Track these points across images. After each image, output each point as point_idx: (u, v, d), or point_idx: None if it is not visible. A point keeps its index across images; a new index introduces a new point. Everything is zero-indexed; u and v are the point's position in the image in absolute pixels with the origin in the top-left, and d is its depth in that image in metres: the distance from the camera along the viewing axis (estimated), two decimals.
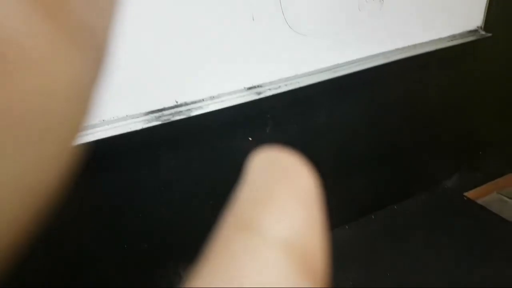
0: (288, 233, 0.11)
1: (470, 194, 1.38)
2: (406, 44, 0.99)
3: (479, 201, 1.34)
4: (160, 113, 0.78)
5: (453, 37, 1.05)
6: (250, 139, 0.90)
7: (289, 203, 0.11)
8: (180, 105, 0.79)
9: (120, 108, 0.77)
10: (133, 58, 0.73)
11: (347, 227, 1.20)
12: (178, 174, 0.88)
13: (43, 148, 0.09)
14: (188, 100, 0.79)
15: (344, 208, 1.20)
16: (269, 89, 0.83)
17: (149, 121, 0.78)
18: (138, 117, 0.78)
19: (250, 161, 0.13)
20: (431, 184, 1.35)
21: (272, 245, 0.11)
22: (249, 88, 0.82)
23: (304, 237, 0.11)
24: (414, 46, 1.01)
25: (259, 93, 0.82)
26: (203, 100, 0.81)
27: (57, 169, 0.10)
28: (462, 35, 1.06)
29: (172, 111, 0.79)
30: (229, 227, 0.11)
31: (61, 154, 0.10)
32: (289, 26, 0.83)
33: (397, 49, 0.98)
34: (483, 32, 1.07)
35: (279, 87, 0.83)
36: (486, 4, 1.06)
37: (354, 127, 1.07)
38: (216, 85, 0.79)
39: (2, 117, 0.08)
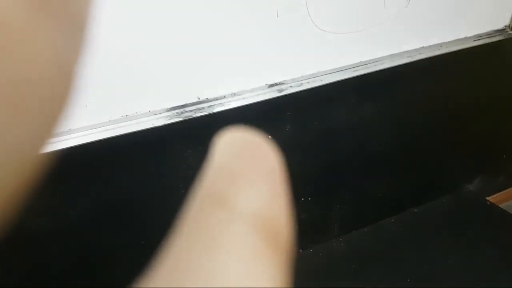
0: (255, 207, 0.11)
1: (492, 198, 1.35)
2: (431, 43, 0.97)
3: (502, 206, 1.31)
4: (182, 109, 0.78)
5: (479, 36, 1.03)
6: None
7: (256, 177, 0.12)
8: (202, 102, 0.79)
9: (143, 104, 0.77)
10: (155, 54, 0.73)
11: (365, 229, 1.19)
12: (198, 171, 0.88)
13: (22, 133, 0.09)
14: (210, 96, 0.79)
15: (363, 210, 1.19)
16: (291, 87, 0.82)
17: (171, 117, 0.78)
18: (160, 113, 0.78)
19: (216, 140, 0.13)
20: (452, 187, 1.32)
21: (240, 218, 0.11)
22: (271, 85, 0.81)
23: (271, 210, 0.11)
24: (440, 45, 0.99)
25: (280, 91, 0.81)
26: (224, 97, 0.80)
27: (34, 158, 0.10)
28: (488, 34, 1.04)
29: (194, 107, 0.79)
30: (198, 202, 0.11)
31: (39, 141, 0.09)
32: (313, 23, 0.82)
33: (423, 48, 0.96)
34: (511, 31, 1.04)
35: (301, 84, 0.82)
36: None
37: (375, 127, 1.05)
38: (237, 82, 0.79)
39: None
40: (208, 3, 0.72)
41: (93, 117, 0.75)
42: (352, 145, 1.05)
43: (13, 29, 0.08)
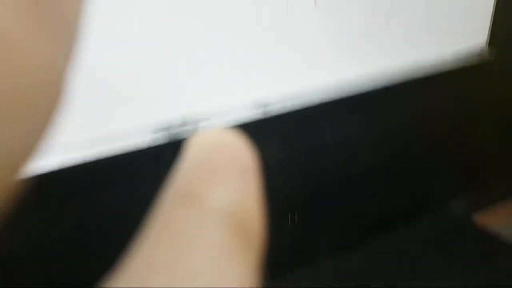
0: (227, 203, 0.11)
1: (477, 216, 1.36)
2: (410, 63, 1.00)
3: (487, 224, 1.32)
4: (167, 130, 0.78)
5: (458, 55, 1.06)
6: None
7: (228, 174, 0.12)
8: (188, 123, 0.79)
9: (127, 125, 0.76)
10: (138, 76, 0.73)
11: (352, 252, 1.17)
12: None
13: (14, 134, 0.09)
14: (195, 117, 0.79)
15: (350, 231, 1.18)
16: (275, 106, 0.83)
17: (156, 138, 0.77)
18: (145, 134, 0.77)
19: (190, 141, 0.13)
20: (436, 205, 1.33)
21: (212, 215, 0.11)
22: (257, 105, 0.82)
23: (243, 207, 0.11)
24: (419, 65, 1.01)
25: (266, 110, 0.82)
26: (210, 117, 0.80)
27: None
28: (467, 53, 1.07)
29: (179, 128, 0.78)
30: (168, 199, 0.11)
31: (31, 143, 0.09)
32: (296, 42, 0.84)
33: (402, 68, 0.99)
34: (488, 51, 1.08)
35: (285, 104, 0.83)
36: (491, 22, 1.07)
37: (359, 146, 1.06)
38: (223, 101, 0.80)
39: None
40: (191, 24, 0.73)
41: (76, 138, 0.73)
42: (338, 165, 1.05)
43: (6, 34, 0.08)
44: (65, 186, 0.77)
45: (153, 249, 0.10)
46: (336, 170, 1.05)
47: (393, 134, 1.11)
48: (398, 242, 1.21)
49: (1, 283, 0.79)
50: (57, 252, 0.81)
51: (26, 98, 0.08)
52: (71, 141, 0.73)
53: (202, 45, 0.75)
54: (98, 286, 0.10)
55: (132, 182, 0.82)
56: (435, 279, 1.10)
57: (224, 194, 0.11)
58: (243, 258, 0.11)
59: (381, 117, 1.07)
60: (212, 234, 0.10)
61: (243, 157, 0.13)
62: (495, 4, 1.06)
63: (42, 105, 0.09)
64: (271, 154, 0.92)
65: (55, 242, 0.80)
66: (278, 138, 0.91)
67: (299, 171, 0.98)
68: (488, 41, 1.08)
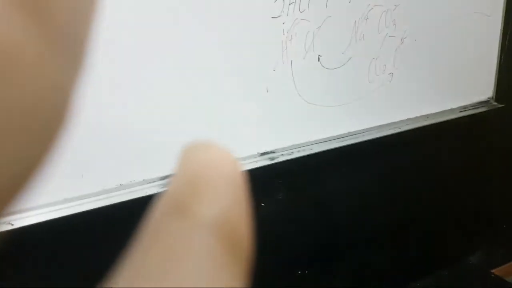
0: (216, 215, 0.11)
1: (497, 271, 1.31)
2: (417, 115, 1.02)
3: (508, 279, 1.27)
4: None
5: (464, 107, 1.07)
6: (262, 204, 0.90)
7: (216, 186, 0.12)
8: None
9: (137, 173, 0.79)
10: (149, 125, 0.77)
11: None
12: None
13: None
14: None
15: (362, 285, 1.15)
16: (282, 155, 0.85)
17: (164, 185, 0.80)
18: (154, 182, 0.80)
19: (181, 152, 0.13)
20: (453, 260, 1.29)
21: (201, 226, 0.11)
22: (263, 154, 0.84)
23: (231, 218, 0.12)
24: (426, 116, 1.03)
25: (272, 159, 0.84)
26: None
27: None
28: (473, 105, 1.08)
29: None
30: (158, 211, 0.12)
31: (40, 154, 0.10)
32: (301, 97, 0.87)
33: (408, 119, 1.00)
34: (494, 103, 1.09)
35: (292, 153, 0.85)
36: (496, 75, 1.09)
37: (367, 197, 1.06)
38: (230, 150, 0.82)
39: None
40: (201, 80, 0.78)
41: (88, 186, 0.77)
42: (347, 215, 1.05)
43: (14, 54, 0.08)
44: (81, 231, 0.79)
45: (144, 259, 0.11)
46: (345, 221, 1.05)
47: (405, 184, 1.11)
48: None
49: None
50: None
51: (34, 114, 0.09)
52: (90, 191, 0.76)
53: (210, 100, 0.79)
54: None
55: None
56: None
57: (213, 205, 0.11)
58: (232, 267, 0.11)
59: (391, 168, 1.08)
60: (202, 245, 0.11)
61: (231, 170, 0.13)
62: (499, 58, 1.09)
63: (48, 120, 0.09)
64: (278, 201, 0.93)
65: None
66: (284, 185, 0.92)
67: (307, 220, 0.98)
68: (494, 95, 1.10)
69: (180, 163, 0.13)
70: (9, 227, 0.73)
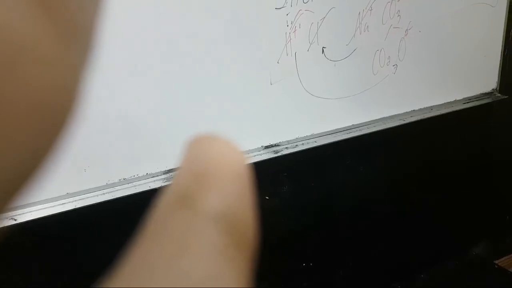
0: (221, 206, 0.11)
1: (501, 262, 1.31)
2: (421, 106, 1.01)
3: (508, 266, 1.27)
4: None
5: (469, 99, 1.07)
6: (267, 198, 0.90)
7: (222, 178, 0.12)
8: None
9: (140, 167, 0.78)
10: (152, 118, 0.76)
11: None
12: None
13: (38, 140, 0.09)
14: None
15: (367, 276, 1.15)
16: (286, 148, 0.84)
17: (168, 179, 0.79)
18: (157, 176, 0.79)
19: (186, 144, 0.13)
20: (457, 251, 1.29)
21: (206, 218, 0.11)
22: (267, 147, 0.83)
23: (236, 210, 0.12)
24: (430, 108, 1.02)
25: (276, 152, 0.83)
26: None
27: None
28: (477, 97, 1.08)
29: None
30: (165, 202, 0.12)
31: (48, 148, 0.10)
32: (305, 89, 0.86)
33: (413, 111, 1.00)
34: (498, 94, 1.08)
35: (296, 146, 0.84)
36: (500, 66, 1.08)
37: (373, 189, 1.06)
38: (235, 142, 0.81)
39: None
40: (205, 73, 0.77)
41: (91, 181, 0.76)
42: (351, 207, 1.05)
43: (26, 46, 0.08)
44: (85, 225, 0.79)
45: (150, 250, 0.11)
46: (350, 213, 1.05)
47: (409, 176, 1.10)
48: (421, 285, 1.18)
49: None
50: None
51: (40, 108, 0.09)
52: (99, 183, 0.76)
53: (215, 96, 0.79)
54: (96, 286, 0.11)
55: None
56: None
57: (219, 198, 0.11)
58: (237, 259, 0.11)
59: (395, 159, 1.07)
60: (207, 236, 0.11)
61: (237, 162, 0.13)
62: (503, 50, 1.08)
63: (54, 115, 0.09)
64: (283, 194, 0.92)
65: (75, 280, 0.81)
66: (289, 178, 0.91)
67: (312, 212, 0.98)
68: (498, 86, 1.09)
69: (185, 155, 0.13)
70: (12, 222, 0.72)
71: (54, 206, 0.74)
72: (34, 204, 0.72)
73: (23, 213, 0.72)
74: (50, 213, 0.73)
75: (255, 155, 0.82)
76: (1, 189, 0.09)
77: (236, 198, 0.12)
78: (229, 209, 0.11)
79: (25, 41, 0.08)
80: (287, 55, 0.82)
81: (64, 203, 0.75)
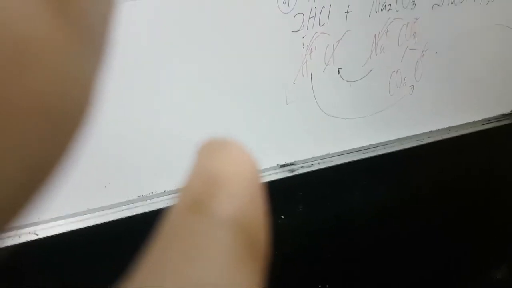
0: (234, 212, 0.11)
1: None
2: (439, 127, 1.01)
3: None
4: None
5: (488, 120, 1.06)
6: (282, 217, 0.90)
7: (234, 184, 0.12)
8: None
9: (158, 184, 0.80)
10: (170, 136, 0.78)
11: None
12: None
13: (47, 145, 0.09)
14: None
15: None
16: (302, 167, 0.85)
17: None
18: (175, 193, 0.81)
19: (198, 147, 0.13)
20: (477, 275, 1.26)
21: (219, 224, 0.11)
22: (282, 166, 0.84)
23: (249, 216, 0.12)
24: (448, 129, 1.02)
25: (292, 171, 0.84)
26: None
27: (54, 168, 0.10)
28: (497, 118, 1.07)
29: None
30: (178, 208, 0.12)
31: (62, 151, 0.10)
32: (321, 109, 0.87)
33: (430, 132, 0.99)
34: None
35: (312, 165, 0.85)
36: None
37: (388, 210, 1.05)
38: (247, 147, 0.82)
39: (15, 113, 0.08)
40: (222, 92, 0.79)
41: (111, 197, 0.78)
42: (368, 229, 1.04)
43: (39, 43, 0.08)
44: (103, 241, 0.80)
45: (163, 256, 0.11)
46: (368, 235, 1.04)
47: (426, 198, 1.09)
48: None
49: None
50: None
51: (60, 101, 0.09)
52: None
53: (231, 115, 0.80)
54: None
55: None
56: None
57: (231, 203, 0.11)
58: (249, 265, 0.11)
59: (412, 181, 1.06)
60: (220, 241, 0.11)
61: (249, 168, 0.13)
62: None
63: (71, 111, 0.09)
64: (298, 213, 0.92)
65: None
66: (304, 197, 0.91)
67: (328, 233, 0.98)
68: None
69: (197, 159, 0.13)
70: (34, 237, 0.75)
71: (75, 222, 0.76)
72: (56, 219, 0.75)
73: (45, 228, 0.74)
74: (71, 229, 0.75)
75: (270, 174, 0.83)
76: (14, 195, 0.09)
77: (248, 203, 0.12)
78: (241, 215, 0.11)
79: (35, 43, 0.08)
80: (303, 76, 0.83)
81: (84, 219, 0.77)
